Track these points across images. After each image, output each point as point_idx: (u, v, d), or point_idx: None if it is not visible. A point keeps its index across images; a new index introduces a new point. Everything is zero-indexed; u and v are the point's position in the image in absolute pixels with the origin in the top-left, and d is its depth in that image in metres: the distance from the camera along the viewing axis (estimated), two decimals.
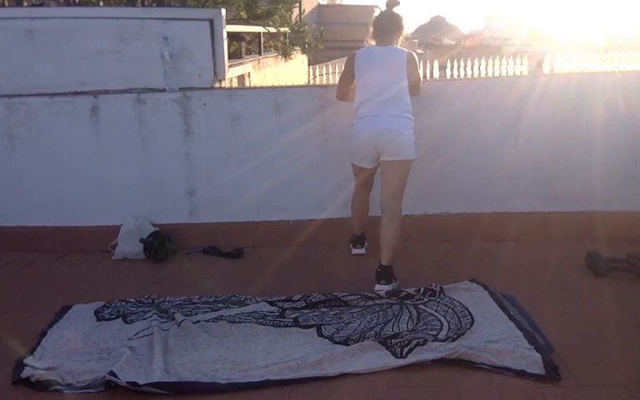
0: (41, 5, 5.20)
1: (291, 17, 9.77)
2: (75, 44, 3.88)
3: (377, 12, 3.33)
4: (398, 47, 3.26)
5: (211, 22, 3.85)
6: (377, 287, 3.05)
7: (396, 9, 3.31)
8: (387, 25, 3.25)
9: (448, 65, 9.61)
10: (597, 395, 2.17)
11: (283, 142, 3.81)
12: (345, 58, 3.46)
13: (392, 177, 3.14)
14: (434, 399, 2.18)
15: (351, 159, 3.36)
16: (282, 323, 2.73)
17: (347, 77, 3.33)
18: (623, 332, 2.59)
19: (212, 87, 3.90)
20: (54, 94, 3.85)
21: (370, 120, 3.13)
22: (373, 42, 3.30)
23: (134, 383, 2.23)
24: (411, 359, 2.37)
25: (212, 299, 3.05)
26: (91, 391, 2.26)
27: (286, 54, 10.00)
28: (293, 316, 2.81)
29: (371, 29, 3.32)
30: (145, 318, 2.80)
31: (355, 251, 3.68)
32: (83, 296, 3.20)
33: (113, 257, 3.78)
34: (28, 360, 2.44)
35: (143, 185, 3.90)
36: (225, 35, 3.93)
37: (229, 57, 4.42)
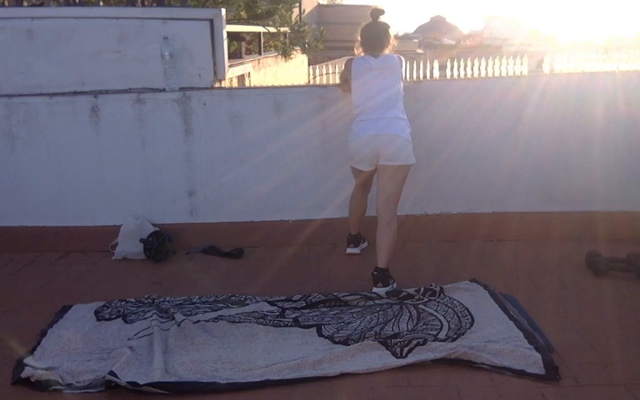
0: (41, 5, 5.20)
1: (291, 17, 9.75)
2: (75, 44, 3.89)
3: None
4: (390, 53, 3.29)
5: (211, 21, 3.86)
6: (375, 289, 3.06)
7: (382, 18, 3.31)
8: (377, 41, 3.25)
9: (448, 65, 9.59)
10: (597, 395, 2.17)
11: (283, 142, 3.81)
12: (344, 59, 3.47)
13: (389, 182, 3.15)
14: (434, 399, 2.18)
15: (349, 162, 3.37)
16: (282, 323, 2.73)
17: (347, 76, 3.34)
18: (623, 332, 2.59)
19: (212, 87, 3.90)
20: (54, 94, 3.86)
21: (369, 123, 3.14)
22: (361, 50, 3.31)
23: (134, 383, 2.23)
24: (411, 359, 2.37)
25: (212, 299, 3.05)
26: (91, 391, 2.26)
27: (286, 54, 9.99)
28: (293, 316, 2.81)
29: (358, 38, 3.32)
30: (145, 318, 2.80)
31: (349, 250, 3.69)
32: (83, 296, 3.20)
33: (113, 257, 3.78)
34: (28, 360, 2.44)
35: (143, 185, 3.90)
36: (225, 35, 3.93)
37: (229, 57, 4.42)
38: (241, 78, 7.53)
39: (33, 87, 3.89)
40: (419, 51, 24.62)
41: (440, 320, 2.71)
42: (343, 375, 2.31)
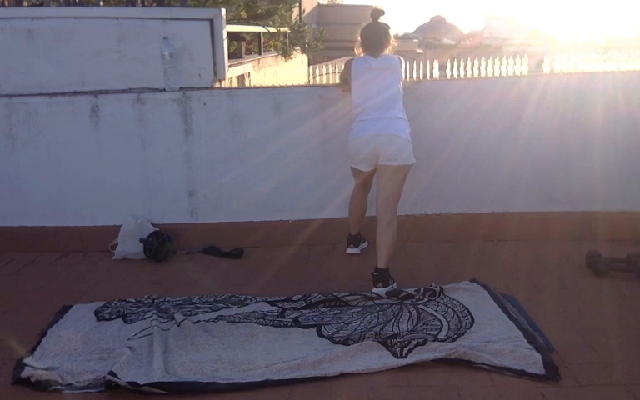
0: (41, 5, 5.20)
1: (291, 17, 9.75)
2: (75, 44, 3.89)
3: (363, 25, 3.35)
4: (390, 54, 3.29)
5: (211, 22, 3.86)
6: (375, 290, 3.06)
7: (382, 18, 3.31)
8: (377, 41, 3.26)
9: (448, 65, 9.59)
10: (597, 395, 2.17)
11: (283, 142, 3.81)
12: (344, 59, 3.47)
13: (389, 182, 3.14)
14: (434, 399, 2.18)
15: (349, 162, 3.37)
16: (282, 323, 2.73)
17: (347, 76, 3.34)
18: (623, 332, 2.59)
19: (212, 87, 3.90)
20: (54, 94, 3.86)
21: (369, 123, 3.14)
22: (361, 50, 3.31)
23: (134, 383, 2.23)
24: (411, 359, 2.37)
25: (212, 299, 3.05)
26: (91, 391, 2.26)
27: (286, 54, 9.99)
28: (293, 316, 2.81)
29: (358, 39, 3.32)
30: (145, 318, 2.80)
31: (349, 250, 3.69)
32: (83, 296, 3.20)
33: (113, 257, 3.78)
34: (28, 360, 2.44)
35: (143, 185, 3.90)
36: (225, 35, 3.93)
37: (229, 57, 4.42)
38: (241, 78, 7.53)
39: (33, 87, 3.89)
40: (419, 51, 24.63)
41: (440, 320, 2.71)
42: (343, 375, 2.31)
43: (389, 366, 2.34)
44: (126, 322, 2.80)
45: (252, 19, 9.17)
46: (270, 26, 9.22)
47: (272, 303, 2.95)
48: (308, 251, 3.78)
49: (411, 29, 44.71)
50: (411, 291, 3.00)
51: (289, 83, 7.59)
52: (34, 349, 2.55)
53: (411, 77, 9.42)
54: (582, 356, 2.40)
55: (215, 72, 3.91)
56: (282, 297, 3.02)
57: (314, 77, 11.09)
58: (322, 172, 3.85)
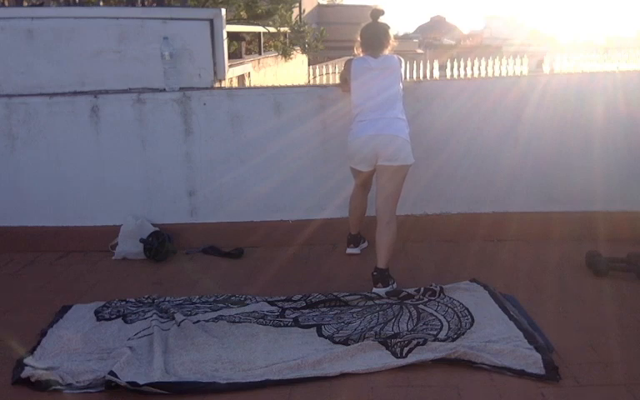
0: (41, 5, 5.20)
1: (291, 17, 9.76)
2: (75, 44, 3.89)
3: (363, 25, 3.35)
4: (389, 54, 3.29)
5: (211, 22, 3.86)
6: (375, 290, 3.06)
7: (382, 18, 3.31)
8: (377, 41, 3.26)
9: (448, 65, 9.59)
10: (597, 395, 2.17)
11: (283, 142, 3.81)
12: (344, 59, 3.47)
13: (389, 182, 3.14)
14: (434, 399, 2.18)
15: (349, 162, 3.37)
16: (282, 323, 2.73)
17: (347, 76, 3.35)
18: (623, 332, 2.59)
19: (212, 87, 3.90)
20: (54, 94, 3.86)
21: (369, 123, 3.15)
22: (361, 50, 3.31)
23: (134, 383, 2.23)
24: (411, 359, 2.37)
25: (212, 299, 3.05)
26: (91, 391, 2.26)
27: (286, 54, 10.00)
28: (293, 316, 2.81)
29: (358, 39, 3.32)
30: (145, 318, 2.80)
31: (349, 250, 3.69)
32: (83, 296, 3.20)
33: (113, 257, 3.79)
34: (28, 360, 2.44)
35: (143, 185, 3.90)
36: (225, 35, 3.93)
37: (229, 57, 4.42)
38: (241, 78, 7.53)
39: (33, 87, 3.89)
40: (419, 51, 24.65)
41: (440, 320, 2.71)
42: (343, 375, 2.31)
43: (389, 366, 2.34)
44: (126, 322, 2.80)
45: (252, 19, 9.18)
46: (270, 26, 9.23)
47: (272, 303, 2.95)
48: (308, 251, 3.78)
49: (411, 29, 44.76)
50: (411, 291, 3.00)
51: (289, 83, 7.60)
52: (34, 349, 2.55)
53: (411, 77, 9.42)
54: (582, 356, 2.40)
55: (215, 72, 3.91)
56: (282, 297, 3.02)
57: (314, 77, 11.09)
58: (322, 172, 3.85)
